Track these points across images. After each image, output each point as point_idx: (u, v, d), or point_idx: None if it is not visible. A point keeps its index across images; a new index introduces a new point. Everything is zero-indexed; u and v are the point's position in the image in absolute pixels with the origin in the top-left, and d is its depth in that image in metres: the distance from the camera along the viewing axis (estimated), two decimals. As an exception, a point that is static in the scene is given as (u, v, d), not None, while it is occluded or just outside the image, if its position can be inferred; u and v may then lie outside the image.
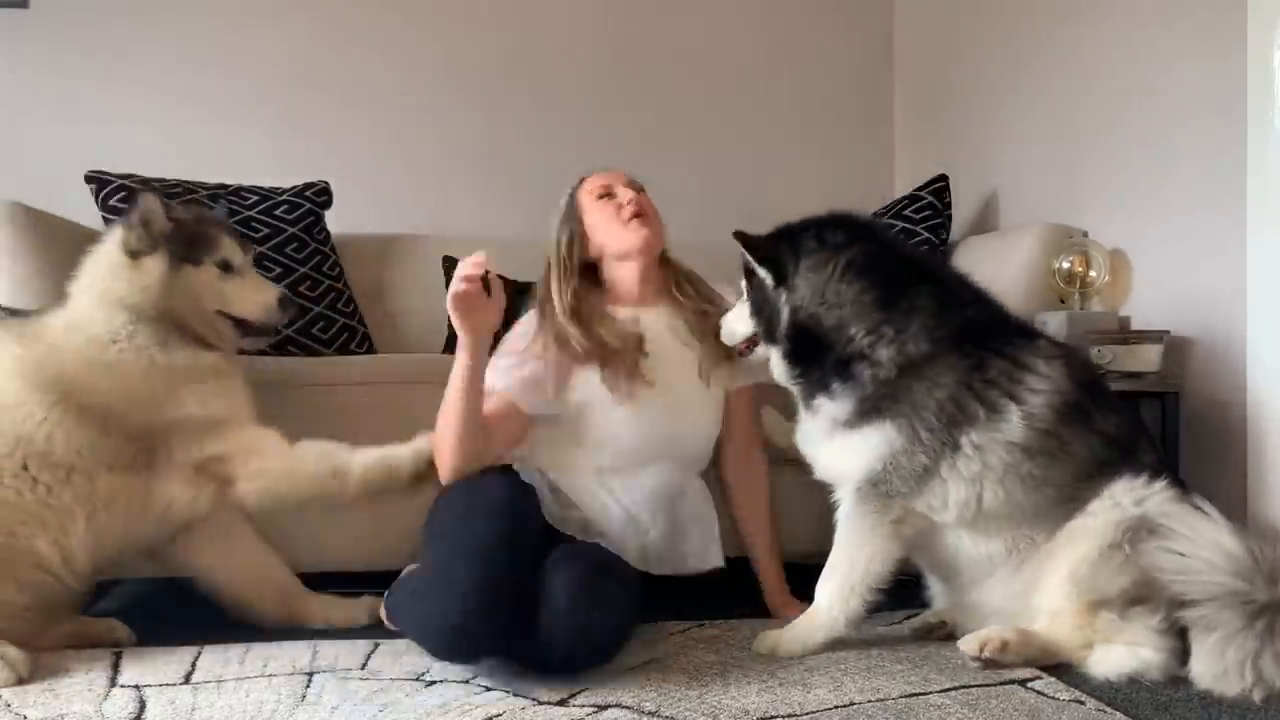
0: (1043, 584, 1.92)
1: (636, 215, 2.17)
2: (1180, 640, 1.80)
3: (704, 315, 2.21)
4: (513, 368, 2.09)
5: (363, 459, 2.01)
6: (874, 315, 1.95)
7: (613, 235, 2.18)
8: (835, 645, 1.99)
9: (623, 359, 2.10)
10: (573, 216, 2.22)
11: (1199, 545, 1.77)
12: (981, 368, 1.93)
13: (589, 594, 1.80)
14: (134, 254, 2.02)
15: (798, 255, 2.01)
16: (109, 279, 2.03)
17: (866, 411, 1.94)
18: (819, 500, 2.12)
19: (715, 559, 2.22)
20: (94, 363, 1.96)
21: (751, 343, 2.14)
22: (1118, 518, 1.86)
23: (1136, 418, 2.12)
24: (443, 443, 1.98)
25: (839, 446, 1.99)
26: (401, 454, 2.02)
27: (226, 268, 2.10)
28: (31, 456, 1.89)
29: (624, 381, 2.09)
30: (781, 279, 2.01)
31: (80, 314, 2.01)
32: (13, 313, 2.15)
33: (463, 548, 1.82)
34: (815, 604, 2.00)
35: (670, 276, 2.26)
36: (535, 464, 2.09)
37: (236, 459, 1.97)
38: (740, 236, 2.05)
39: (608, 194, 2.21)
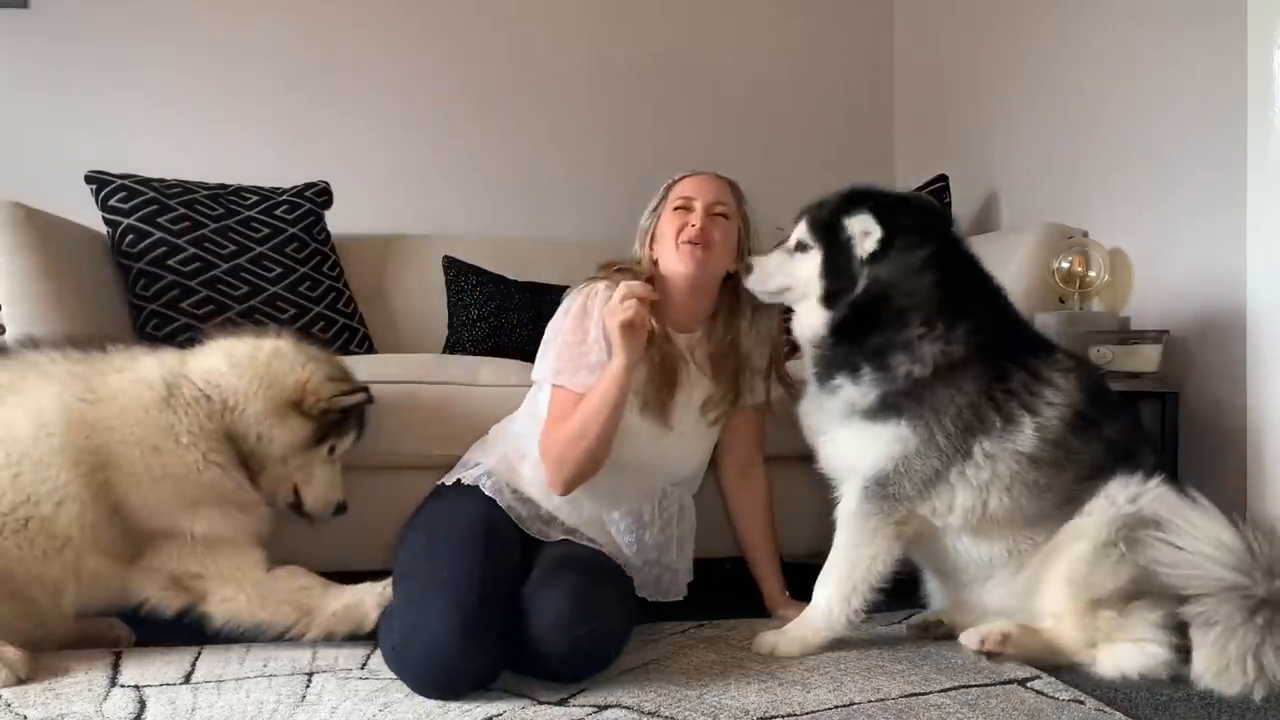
0: (1042, 585, 1.92)
1: (693, 242, 2.10)
2: (1183, 636, 1.81)
3: (733, 348, 2.16)
4: (578, 359, 2.06)
5: (332, 606, 1.97)
6: (933, 311, 1.93)
7: (666, 250, 2.13)
8: (835, 645, 1.99)
9: (660, 379, 2.09)
10: (657, 210, 2.18)
11: (1196, 539, 1.77)
12: (1003, 378, 1.93)
13: (582, 607, 1.78)
14: (298, 409, 2.03)
15: (894, 230, 1.96)
16: (249, 401, 2.01)
17: (888, 406, 1.93)
18: (819, 500, 2.12)
19: (678, 592, 2.18)
20: (146, 447, 1.92)
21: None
22: (1112, 515, 1.87)
23: (1138, 421, 2.12)
24: (568, 460, 1.97)
25: (852, 436, 1.97)
26: (367, 605, 1.96)
27: (332, 451, 2.10)
28: (35, 519, 1.85)
29: (653, 393, 2.08)
30: (883, 250, 1.95)
31: (176, 397, 1.97)
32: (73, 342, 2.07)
33: (437, 581, 1.79)
34: (814, 604, 2.00)
35: (720, 303, 2.18)
36: (504, 474, 2.06)
37: (211, 581, 1.94)
38: (860, 195, 2.01)
39: (686, 206, 2.13)
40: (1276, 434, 2.26)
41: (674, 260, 2.11)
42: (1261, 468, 2.29)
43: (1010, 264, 2.80)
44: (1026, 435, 1.90)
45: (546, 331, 2.15)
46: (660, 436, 2.10)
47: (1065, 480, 1.92)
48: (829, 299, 2.00)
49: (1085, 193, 2.91)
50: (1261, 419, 2.30)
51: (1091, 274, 2.71)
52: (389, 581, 1.98)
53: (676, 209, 2.13)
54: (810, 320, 2.03)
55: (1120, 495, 1.89)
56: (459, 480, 2.08)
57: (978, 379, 1.91)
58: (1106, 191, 2.83)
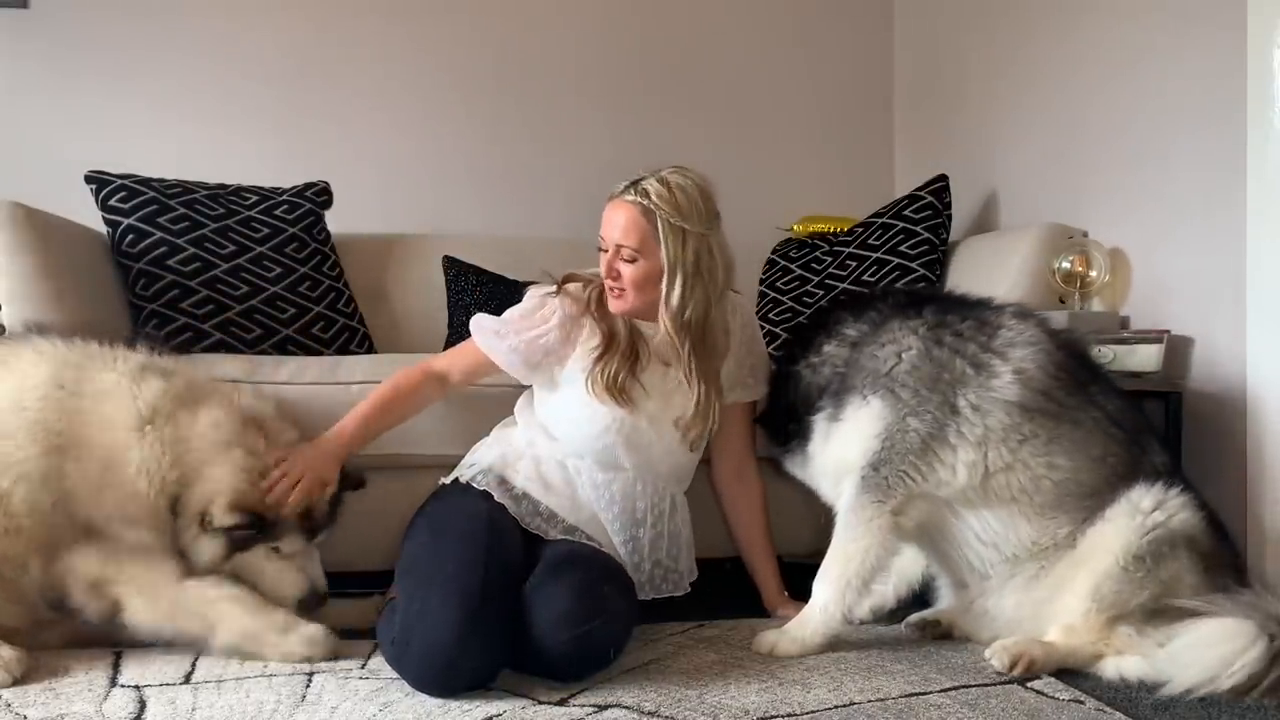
0: (1062, 596, 1.91)
1: (610, 290, 2.09)
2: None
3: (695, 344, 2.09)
4: (515, 333, 2.11)
5: (232, 626, 1.90)
6: (796, 351, 2.12)
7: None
8: (835, 645, 1.99)
9: (622, 357, 2.06)
10: None
11: (1210, 649, 1.76)
12: (943, 325, 1.97)
13: (584, 604, 1.78)
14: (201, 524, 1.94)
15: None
16: (208, 477, 1.94)
17: (843, 394, 2.00)
18: (816, 500, 2.13)
19: (683, 583, 2.14)
20: (101, 455, 1.90)
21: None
22: (1139, 524, 1.86)
23: (1139, 409, 2.12)
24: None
25: (835, 441, 2.02)
26: (266, 644, 1.90)
27: (275, 550, 2.01)
28: None
29: (614, 380, 2.04)
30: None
31: (154, 427, 1.93)
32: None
33: (438, 578, 1.80)
34: (812, 602, 2.00)
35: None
36: (500, 471, 2.07)
37: (123, 589, 1.91)
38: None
39: (602, 245, 2.08)
40: (1276, 434, 2.26)
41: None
42: (1261, 468, 2.29)
43: (1010, 264, 2.80)
44: (1005, 380, 1.92)
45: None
46: (626, 420, 2.05)
47: (1070, 442, 1.91)
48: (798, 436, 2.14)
49: (1085, 192, 2.90)
50: (1261, 419, 2.30)
51: (1092, 274, 2.70)
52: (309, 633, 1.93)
53: (600, 242, 2.10)
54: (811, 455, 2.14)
55: (1145, 501, 1.88)
56: (460, 478, 2.09)
57: (911, 332, 1.98)
58: (1106, 191, 2.82)
